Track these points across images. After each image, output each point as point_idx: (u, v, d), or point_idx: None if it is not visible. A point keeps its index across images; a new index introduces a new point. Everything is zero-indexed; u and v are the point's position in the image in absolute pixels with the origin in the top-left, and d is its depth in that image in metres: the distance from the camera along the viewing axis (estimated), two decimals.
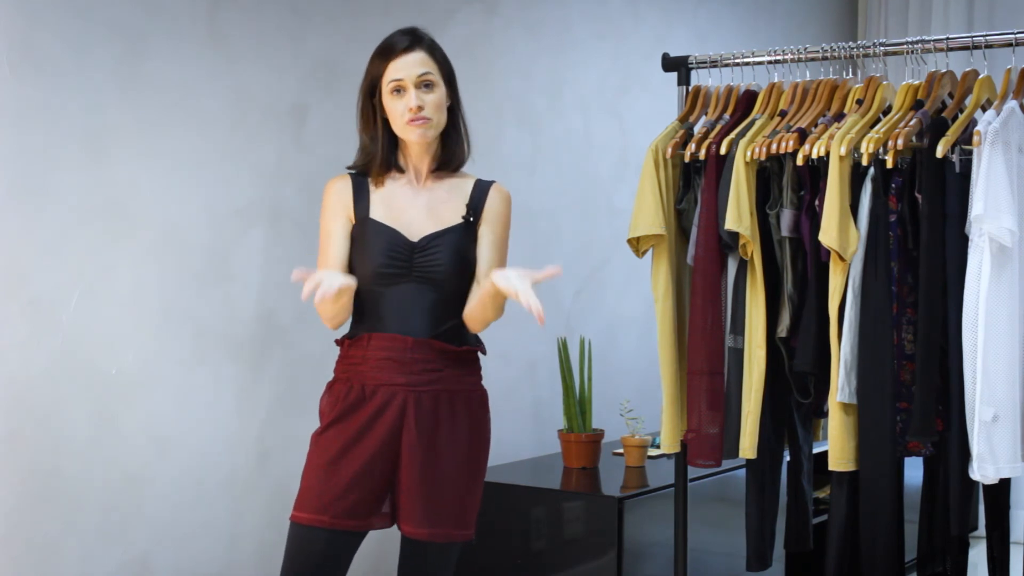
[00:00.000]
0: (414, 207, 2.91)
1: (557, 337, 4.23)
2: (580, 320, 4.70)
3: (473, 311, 2.90)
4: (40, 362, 3.14)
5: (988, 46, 3.22)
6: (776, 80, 3.46)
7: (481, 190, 2.96)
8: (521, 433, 4.47)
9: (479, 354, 2.97)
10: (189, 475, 3.46)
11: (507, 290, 2.76)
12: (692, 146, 3.39)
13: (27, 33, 3.10)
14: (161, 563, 3.39)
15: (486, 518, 3.82)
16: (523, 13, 4.49)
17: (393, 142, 2.94)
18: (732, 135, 3.34)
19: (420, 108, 2.86)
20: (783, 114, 3.38)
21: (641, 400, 4.57)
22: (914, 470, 3.63)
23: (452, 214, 2.92)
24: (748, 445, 3.30)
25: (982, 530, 3.61)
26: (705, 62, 3.56)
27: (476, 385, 2.94)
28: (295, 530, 2.86)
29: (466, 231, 2.92)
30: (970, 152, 3.07)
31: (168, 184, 3.40)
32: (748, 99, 3.48)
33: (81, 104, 3.21)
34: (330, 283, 2.71)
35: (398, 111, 2.88)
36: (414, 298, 2.85)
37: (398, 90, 2.88)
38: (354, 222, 2.91)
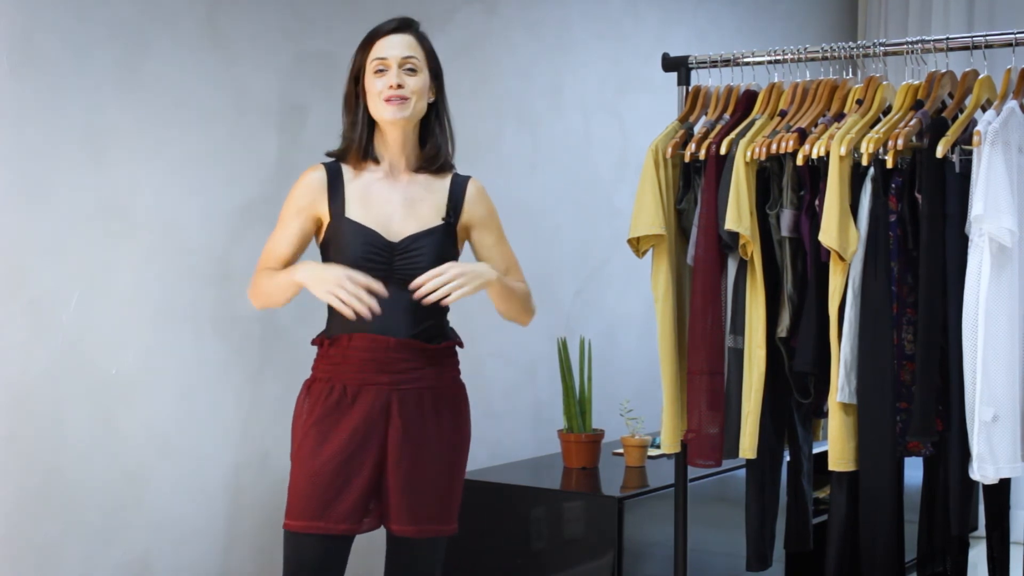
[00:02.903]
0: (391, 202, 2.90)
1: (557, 337, 4.23)
2: (580, 320, 4.70)
3: (507, 310, 2.96)
4: (40, 362, 3.14)
5: (988, 46, 3.21)
6: (776, 80, 3.45)
7: (458, 188, 2.94)
8: (521, 433, 4.46)
9: (456, 348, 2.97)
10: (189, 475, 3.46)
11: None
12: (692, 146, 3.38)
13: (27, 33, 3.10)
14: (161, 563, 3.39)
15: (487, 518, 3.82)
16: (523, 13, 4.49)
17: (372, 129, 2.92)
18: (732, 135, 3.34)
19: (400, 87, 2.84)
20: (783, 114, 3.38)
21: (641, 400, 4.57)
22: (914, 470, 3.63)
23: (432, 214, 2.90)
24: (748, 445, 3.30)
25: (982, 530, 3.60)
26: (705, 62, 3.56)
27: (456, 380, 2.95)
28: (290, 539, 2.86)
29: (446, 232, 2.91)
30: (970, 152, 3.07)
31: (168, 184, 3.40)
32: (748, 99, 3.48)
33: (81, 104, 3.21)
34: (362, 285, 2.74)
35: (376, 88, 2.85)
36: (394, 298, 2.82)
37: (381, 69, 2.86)
38: (328, 220, 2.89)
